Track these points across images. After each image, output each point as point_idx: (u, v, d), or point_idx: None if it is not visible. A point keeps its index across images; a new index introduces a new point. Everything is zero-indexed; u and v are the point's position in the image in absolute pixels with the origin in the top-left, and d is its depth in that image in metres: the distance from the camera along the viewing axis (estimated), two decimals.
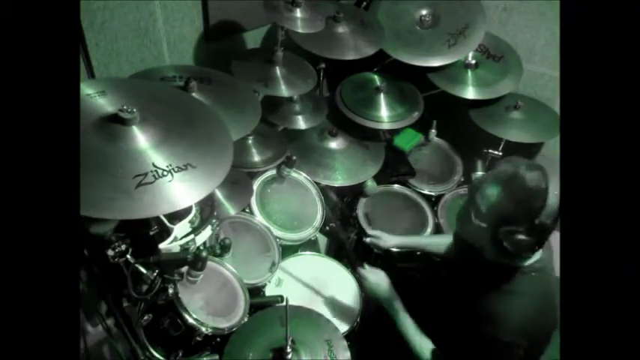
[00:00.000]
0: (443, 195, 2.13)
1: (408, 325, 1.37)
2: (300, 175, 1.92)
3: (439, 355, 1.29)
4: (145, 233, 1.25)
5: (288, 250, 1.79)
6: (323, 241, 2.05)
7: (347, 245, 1.79)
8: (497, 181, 1.11)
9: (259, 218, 1.74)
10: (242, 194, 1.64)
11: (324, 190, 1.95)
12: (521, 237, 1.08)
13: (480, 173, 2.15)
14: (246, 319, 1.41)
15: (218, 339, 1.34)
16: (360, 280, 1.60)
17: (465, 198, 2.04)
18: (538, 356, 1.30)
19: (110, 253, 1.19)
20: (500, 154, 2.10)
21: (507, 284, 1.17)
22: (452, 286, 1.38)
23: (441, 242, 1.67)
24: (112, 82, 1.30)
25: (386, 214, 2.01)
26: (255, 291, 1.61)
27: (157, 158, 1.06)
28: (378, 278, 1.52)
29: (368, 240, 1.79)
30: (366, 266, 1.59)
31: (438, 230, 1.97)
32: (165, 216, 1.18)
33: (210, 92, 1.45)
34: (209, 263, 1.23)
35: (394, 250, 1.88)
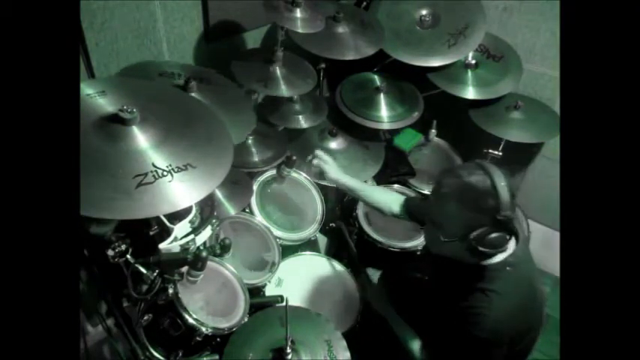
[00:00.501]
0: None
1: (398, 322, 1.43)
2: (300, 175, 1.92)
3: (425, 350, 1.33)
4: (145, 233, 1.25)
5: (288, 250, 1.79)
6: (323, 241, 2.05)
7: (351, 247, 1.79)
8: (450, 197, 1.14)
9: (259, 218, 1.74)
10: (242, 194, 1.64)
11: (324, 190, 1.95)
12: (492, 235, 1.11)
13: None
14: (246, 319, 1.41)
15: (218, 339, 1.34)
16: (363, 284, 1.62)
17: None
18: (526, 353, 1.31)
19: (110, 253, 1.19)
20: (500, 154, 2.10)
21: (483, 283, 1.19)
22: (438, 286, 1.39)
23: (383, 200, 1.64)
24: (112, 82, 1.30)
25: None
26: (255, 291, 1.61)
27: (157, 158, 1.06)
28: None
29: (315, 161, 1.72)
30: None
31: None
32: (165, 216, 1.19)
33: (210, 92, 1.46)
34: (209, 263, 1.23)
35: (394, 249, 1.88)
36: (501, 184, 1.09)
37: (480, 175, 1.11)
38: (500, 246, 1.15)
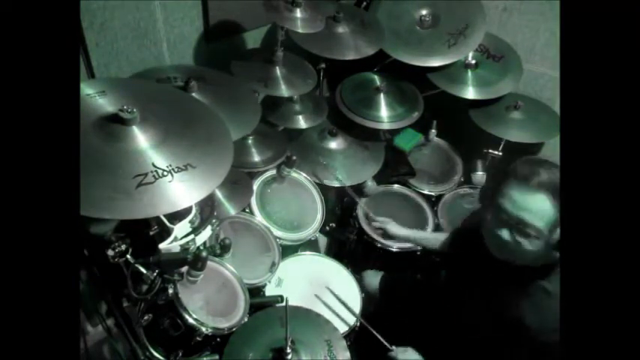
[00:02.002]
0: (443, 195, 2.13)
1: None
2: (300, 175, 1.92)
3: None
4: (145, 233, 1.25)
5: (288, 250, 1.79)
6: (323, 241, 2.05)
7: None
8: (545, 193, 1.03)
9: (259, 218, 1.74)
10: (242, 194, 1.64)
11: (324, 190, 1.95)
12: None
13: (480, 173, 2.15)
14: (246, 319, 1.41)
15: (218, 339, 1.34)
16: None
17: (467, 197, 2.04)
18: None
19: (110, 253, 1.19)
20: (500, 154, 2.10)
21: (542, 282, 1.10)
22: (466, 291, 1.35)
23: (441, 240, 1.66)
24: (112, 82, 1.30)
25: (386, 214, 2.01)
26: (255, 291, 1.61)
27: (157, 158, 1.06)
28: (408, 356, 1.38)
29: (377, 224, 1.81)
30: (394, 347, 1.42)
31: (437, 230, 1.97)
32: (165, 216, 1.18)
33: (210, 92, 1.46)
34: (209, 263, 1.23)
35: (394, 249, 1.88)
36: None
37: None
38: None
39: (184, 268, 1.22)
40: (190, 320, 1.27)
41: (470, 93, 2.07)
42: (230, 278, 1.51)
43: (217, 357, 1.34)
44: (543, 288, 1.10)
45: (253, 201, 1.76)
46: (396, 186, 2.13)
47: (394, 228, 1.77)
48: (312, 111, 1.92)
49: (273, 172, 1.86)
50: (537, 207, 1.03)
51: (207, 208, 1.32)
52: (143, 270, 1.22)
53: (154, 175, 1.02)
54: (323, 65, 2.01)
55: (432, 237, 1.74)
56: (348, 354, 1.30)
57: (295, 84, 1.71)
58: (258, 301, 1.52)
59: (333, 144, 2.03)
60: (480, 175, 2.15)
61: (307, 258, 1.82)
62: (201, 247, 1.25)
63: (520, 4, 2.18)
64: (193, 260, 1.17)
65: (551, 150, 2.33)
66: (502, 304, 1.16)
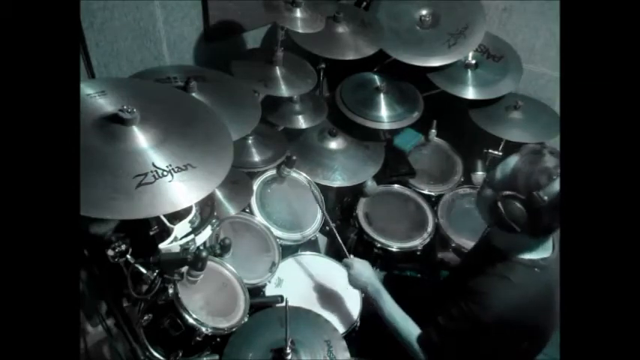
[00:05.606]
0: (443, 195, 2.13)
1: (395, 311, 1.38)
2: (300, 175, 1.92)
3: (425, 339, 1.30)
4: (145, 233, 1.25)
5: (288, 250, 1.79)
6: (323, 241, 2.05)
7: (338, 237, 1.64)
8: (521, 152, 1.17)
9: (259, 218, 1.74)
10: (242, 194, 1.64)
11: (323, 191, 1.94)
12: (516, 204, 1.10)
13: (480, 173, 2.15)
14: (246, 319, 1.41)
15: (218, 339, 1.34)
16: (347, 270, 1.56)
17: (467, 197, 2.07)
18: (534, 355, 1.30)
19: (110, 253, 1.19)
20: (501, 154, 2.10)
21: (503, 271, 1.19)
22: (453, 281, 1.39)
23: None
24: (112, 82, 1.30)
25: (386, 214, 2.01)
26: (255, 291, 1.61)
27: (157, 158, 1.06)
28: (362, 266, 1.53)
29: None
30: (351, 256, 1.58)
31: (437, 230, 1.97)
32: (165, 216, 1.18)
33: (210, 92, 1.46)
34: (209, 263, 1.23)
35: (394, 250, 1.88)
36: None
37: (556, 161, 1.10)
38: (513, 221, 1.12)
39: (184, 268, 1.22)
40: (190, 320, 1.27)
41: (470, 93, 2.07)
42: (230, 278, 1.51)
43: (217, 357, 1.34)
44: (504, 275, 1.18)
45: (253, 201, 1.76)
46: (396, 186, 2.13)
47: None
48: (312, 111, 1.92)
49: (273, 172, 1.86)
50: (507, 161, 1.18)
51: (207, 208, 1.32)
52: (143, 270, 1.22)
53: (153, 175, 1.02)
54: (323, 65, 2.01)
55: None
56: (348, 354, 1.30)
57: (295, 84, 1.71)
58: (258, 301, 1.52)
59: (333, 144, 2.03)
60: (479, 175, 2.15)
61: (307, 258, 1.82)
62: (201, 247, 1.25)
63: (520, 4, 2.18)
64: (193, 260, 1.17)
65: None
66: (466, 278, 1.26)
